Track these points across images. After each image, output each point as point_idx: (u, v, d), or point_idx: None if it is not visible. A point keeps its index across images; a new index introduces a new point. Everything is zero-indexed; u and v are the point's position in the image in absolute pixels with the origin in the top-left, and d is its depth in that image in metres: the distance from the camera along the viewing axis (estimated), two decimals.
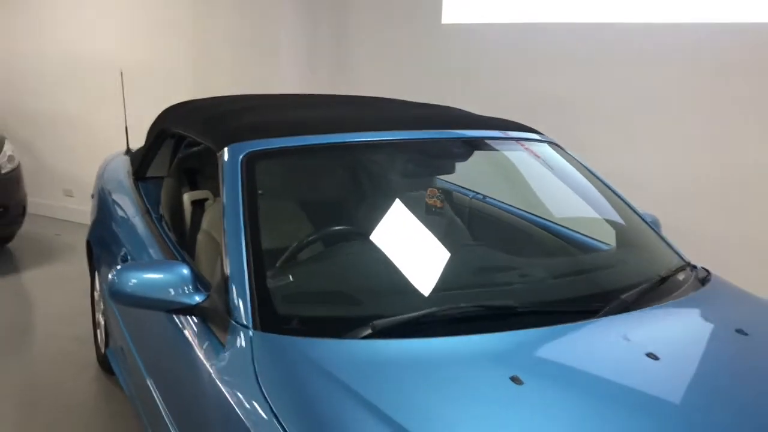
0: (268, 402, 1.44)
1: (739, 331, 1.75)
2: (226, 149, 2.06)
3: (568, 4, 4.25)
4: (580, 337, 1.65)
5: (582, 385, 1.48)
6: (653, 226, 2.41)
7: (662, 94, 3.96)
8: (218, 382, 1.61)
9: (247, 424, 1.46)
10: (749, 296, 2.05)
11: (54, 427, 2.89)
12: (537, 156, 2.58)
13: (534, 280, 1.97)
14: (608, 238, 2.43)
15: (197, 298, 1.76)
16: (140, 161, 3.10)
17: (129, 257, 2.58)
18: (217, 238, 1.99)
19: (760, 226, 3.77)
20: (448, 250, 1.96)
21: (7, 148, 5.08)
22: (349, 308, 1.77)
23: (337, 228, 2.10)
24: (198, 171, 2.84)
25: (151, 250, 2.46)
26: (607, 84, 4.11)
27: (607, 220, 2.42)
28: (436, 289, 1.76)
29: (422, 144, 2.40)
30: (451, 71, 4.59)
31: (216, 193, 2.37)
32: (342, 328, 1.61)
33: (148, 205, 2.79)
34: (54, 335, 3.79)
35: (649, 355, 1.57)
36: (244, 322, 1.65)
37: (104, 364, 3.27)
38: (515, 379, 1.43)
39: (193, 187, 2.77)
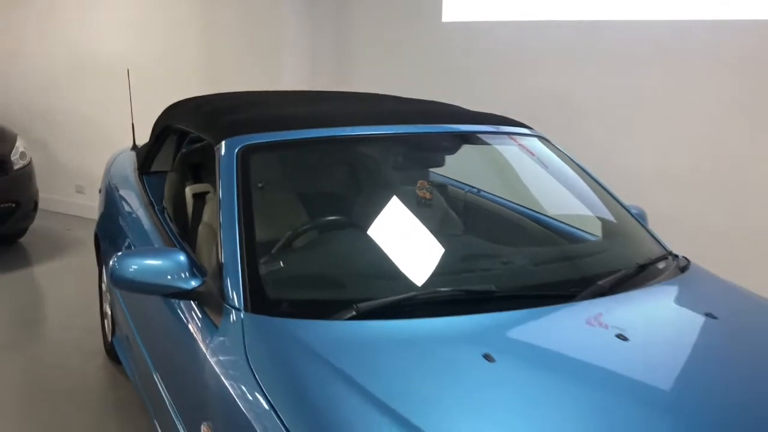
0: (256, 378, 1.54)
1: (708, 314, 1.83)
2: (222, 143, 2.16)
3: (568, 1, 4.31)
4: (554, 319, 1.73)
5: (550, 363, 1.57)
6: (639, 218, 2.49)
7: (662, 91, 4.00)
8: (212, 362, 1.71)
9: (238, 401, 1.56)
10: (725, 283, 2.12)
11: (62, 412, 3.00)
12: (527, 149, 2.66)
13: (515, 267, 2.06)
14: (594, 230, 2.51)
15: (193, 283, 1.86)
16: (145, 156, 3.21)
17: (132, 248, 2.68)
18: (216, 229, 2.08)
19: (753, 219, 3.83)
20: (433, 239, 2.05)
21: (19, 145, 5.21)
22: (335, 292, 1.86)
23: (327, 218, 2.19)
24: (200, 165, 2.94)
25: (153, 241, 2.57)
26: (607, 81, 4.16)
27: (593, 212, 2.50)
28: (419, 275, 1.85)
29: (414, 138, 2.49)
30: (451, 69, 4.66)
31: (216, 188, 2.47)
32: (328, 310, 1.71)
33: (152, 198, 2.90)
34: (63, 325, 3.92)
35: (619, 336, 1.65)
36: (237, 305, 1.74)
37: (111, 352, 3.39)
38: (488, 357, 1.52)
39: (196, 180, 2.87)
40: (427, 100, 3.04)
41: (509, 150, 2.68)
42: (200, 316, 1.87)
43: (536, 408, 1.40)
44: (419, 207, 2.33)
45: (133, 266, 1.86)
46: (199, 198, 2.66)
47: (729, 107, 3.84)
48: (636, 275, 2.01)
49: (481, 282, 1.87)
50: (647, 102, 4.06)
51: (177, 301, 2.01)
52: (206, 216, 2.50)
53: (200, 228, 2.47)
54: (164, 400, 2.12)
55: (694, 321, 1.84)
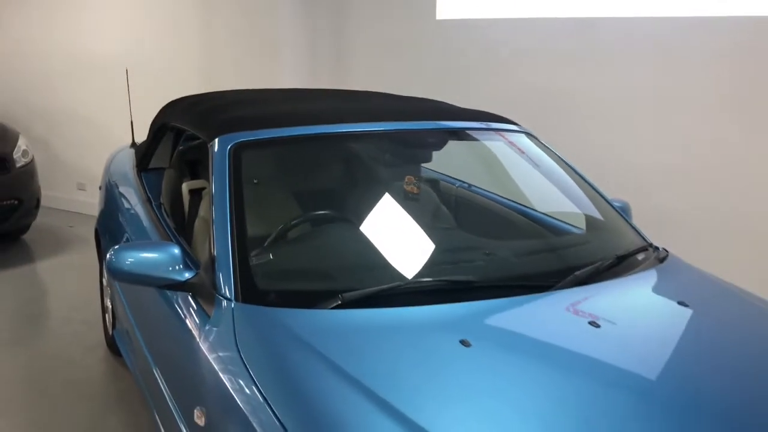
0: (245, 364, 1.62)
1: (681, 303, 1.90)
2: (215, 140, 2.24)
3: None
4: (530, 308, 1.81)
5: (523, 348, 1.65)
6: (622, 211, 2.56)
7: (657, 88, 4.05)
8: (204, 350, 1.79)
9: (228, 386, 1.64)
10: (701, 273, 2.20)
11: (64, 403, 3.09)
12: (514, 145, 2.74)
13: (497, 258, 2.14)
14: (578, 223, 2.59)
15: (187, 275, 1.94)
16: (143, 154, 3.29)
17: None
18: (212, 224, 2.16)
19: (737, 211, 3.90)
20: (418, 231, 2.13)
21: (21, 143, 5.30)
22: (322, 283, 1.94)
23: (316, 213, 2.27)
24: (196, 162, 3.02)
25: (150, 236, 2.65)
26: (602, 78, 4.21)
27: (577, 205, 2.57)
28: (403, 266, 1.93)
29: (403, 134, 2.57)
30: (446, 66, 4.73)
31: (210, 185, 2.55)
32: (314, 299, 1.79)
33: (149, 195, 2.98)
34: (65, 319, 4.01)
35: (592, 323, 1.73)
36: (228, 295, 1.83)
37: (112, 345, 3.47)
38: (464, 342, 1.60)
39: (192, 177, 2.95)
40: (417, 97, 3.12)
41: (497, 146, 2.75)
42: (193, 306, 1.95)
43: (507, 389, 1.48)
44: (406, 201, 2.40)
45: (129, 259, 1.94)
46: (196, 194, 2.74)
47: (723, 103, 3.90)
48: (615, 266, 2.09)
49: (464, 273, 1.95)
50: (643, 99, 4.12)
51: (172, 292, 2.09)
52: (202, 211, 2.57)
53: (196, 223, 2.55)
54: (161, 388, 2.20)
55: (666, 308, 1.91)
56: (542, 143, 2.74)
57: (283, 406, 1.46)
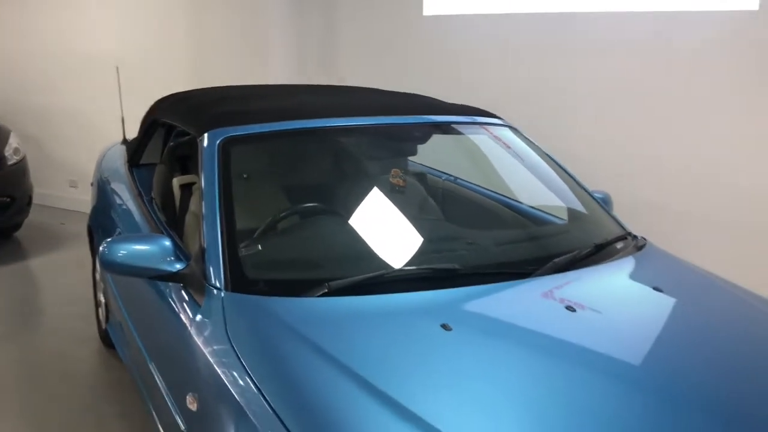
0: (235, 350, 1.68)
1: (655, 288, 1.98)
2: (205, 135, 2.29)
3: None
4: (509, 293, 1.88)
5: (501, 330, 1.73)
6: (602, 202, 2.64)
7: (641, 80, 4.12)
8: (195, 337, 1.86)
9: (219, 371, 1.70)
10: (677, 260, 2.27)
11: (58, 395, 3.15)
12: (497, 138, 2.81)
13: (479, 247, 2.21)
14: (560, 213, 2.66)
15: (178, 266, 2.00)
16: (134, 150, 3.34)
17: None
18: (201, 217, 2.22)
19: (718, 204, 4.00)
20: (403, 222, 2.20)
21: (12, 141, 5.32)
22: (309, 272, 2.01)
23: (303, 205, 2.33)
24: (187, 157, 3.07)
25: (142, 230, 2.70)
26: (587, 72, 4.28)
27: (559, 196, 2.64)
28: (388, 255, 2.00)
29: (390, 128, 2.64)
30: (433, 62, 4.79)
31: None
32: (302, 288, 1.85)
33: (141, 190, 3.03)
34: (59, 314, 4.05)
35: (568, 307, 1.80)
36: (218, 285, 1.89)
37: (105, 339, 3.52)
38: (445, 326, 1.67)
39: (183, 172, 3.01)
40: (403, 92, 3.18)
41: (481, 139, 2.82)
42: (184, 296, 2.01)
43: (484, 369, 1.56)
44: (392, 194, 2.47)
45: (121, 251, 1.99)
46: (186, 188, 2.79)
47: (706, 96, 3.98)
48: (593, 254, 2.16)
49: (447, 261, 2.02)
50: (627, 92, 4.19)
51: (164, 284, 2.15)
52: (192, 205, 2.63)
53: (187, 216, 2.60)
54: (154, 377, 2.26)
55: (641, 293, 1.99)
56: (524, 136, 2.81)
57: (272, 389, 1.53)
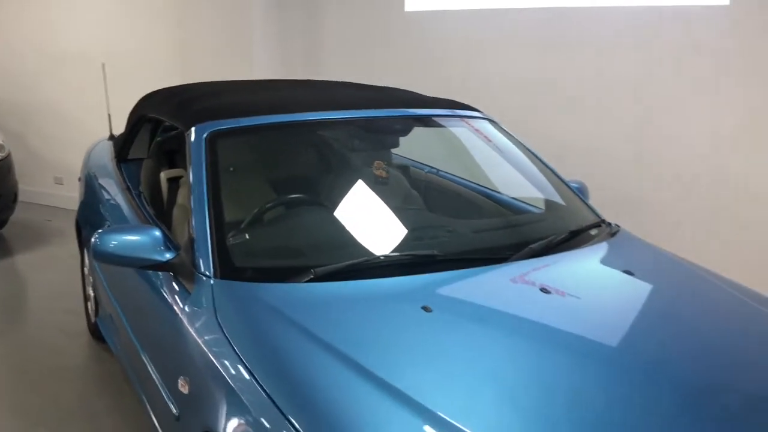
0: (224, 334, 1.76)
1: (626, 271, 2.08)
2: (192, 129, 2.36)
3: None
4: (487, 277, 1.97)
5: (478, 311, 1.82)
6: (578, 191, 2.73)
7: (623, 76, 4.21)
8: (186, 323, 1.93)
9: (210, 354, 1.77)
10: (648, 246, 2.38)
11: (49, 388, 3.19)
12: (477, 131, 2.90)
13: (458, 234, 2.30)
14: (538, 202, 2.75)
15: (168, 255, 2.06)
16: (121, 145, 3.39)
17: None
18: (189, 210, 2.28)
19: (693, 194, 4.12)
20: (386, 212, 2.28)
21: None
22: (295, 259, 2.09)
23: (289, 196, 2.41)
24: (174, 152, 3.13)
25: (131, 223, 2.76)
26: (569, 67, 4.36)
27: (536, 186, 2.74)
28: (371, 243, 2.08)
29: (373, 121, 2.72)
30: (415, 57, 4.87)
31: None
32: (288, 274, 1.93)
33: (129, 184, 3.08)
34: (47, 309, 4.09)
35: (542, 289, 1.89)
36: (207, 273, 1.96)
37: (95, 332, 3.57)
38: (425, 308, 1.76)
39: (170, 166, 3.06)
40: (386, 86, 3.26)
41: (461, 131, 2.91)
42: (175, 284, 2.08)
43: (463, 347, 1.65)
44: (375, 185, 2.55)
45: (113, 242, 2.06)
46: (174, 182, 2.85)
47: (687, 91, 4.08)
48: (568, 240, 2.26)
49: (428, 248, 2.10)
50: (608, 87, 4.28)
51: (154, 274, 2.22)
52: (180, 198, 2.69)
53: (175, 209, 2.66)
54: (145, 364, 2.33)
55: (612, 276, 2.09)
56: (503, 129, 2.90)
57: (261, 369, 1.61)
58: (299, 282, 1.90)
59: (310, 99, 2.79)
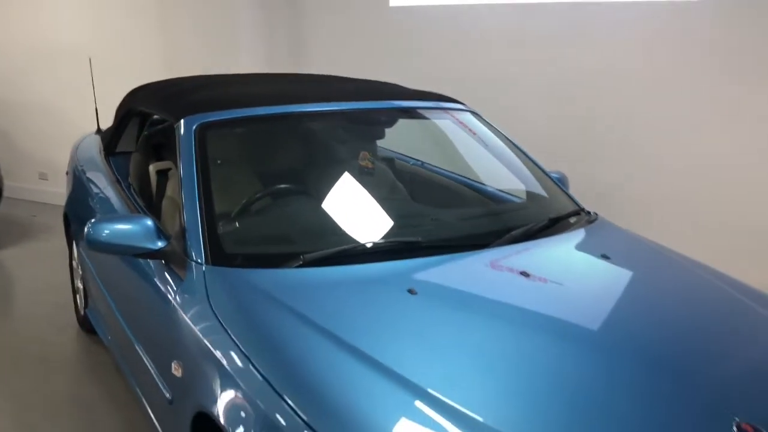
0: (217, 317, 1.82)
1: (603, 256, 2.16)
2: (181, 121, 2.41)
3: None
4: (469, 261, 2.05)
5: (460, 293, 1.90)
6: (558, 181, 2.82)
7: (605, 68, 4.31)
8: (179, 309, 1.99)
9: (203, 338, 1.84)
10: (625, 232, 2.47)
11: (39, 378, 3.23)
12: (460, 123, 2.97)
13: (442, 222, 2.38)
14: (519, 192, 2.84)
15: (160, 244, 2.12)
16: (110, 138, 3.43)
17: None
18: (179, 201, 2.34)
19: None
20: (371, 201, 2.35)
21: None
22: (285, 246, 2.15)
23: (278, 186, 2.47)
24: (162, 145, 3.17)
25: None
26: (551, 61, 4.46)
27: (517, 176, 2.82)
28: (358, 230, 2.15)
29: (358, 113, 2.79)
30: (399, 51, 4.94)
31: (177, 164, 2.72)
32: (278, 260, 2.00)
33: (118, 177, 3.13)
34: (36, 302, 4.12)
35: (522, 273, 1.98)
36: (199, 260, 2.02)
37: (84, 324, 3.61)
38: (411, 291, 1.84)
39: (158, 159, 3.11)
40: (371, 80, 3.32)
41: (445, 123, 2.98)
42: (167, 271, 2.13)
43: (446, 326, 1.73)
44: (361, 175, 2.62)
45: (106, 231, 2.11)
46: (162, 174, 2.90)
47: (661, 81, 4.20)
48: (548, 227, 2.34)
49: (412, 235, 2.18)
50: (589, 80, 4.38)
51: (145, 262, 2.27)
52: (169, 190, 2.74)
53: (164, 201, 2.71)
54: (137, 351, 2.38)
55: (589, 261, 2.18)
56: (485, 120, 2.98)
57: (254, 350, 1.67)
58: (289, 267, 1.96)
59: (297, 91, 2.85)
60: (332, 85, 3.08)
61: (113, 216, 2.55)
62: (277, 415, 1.49)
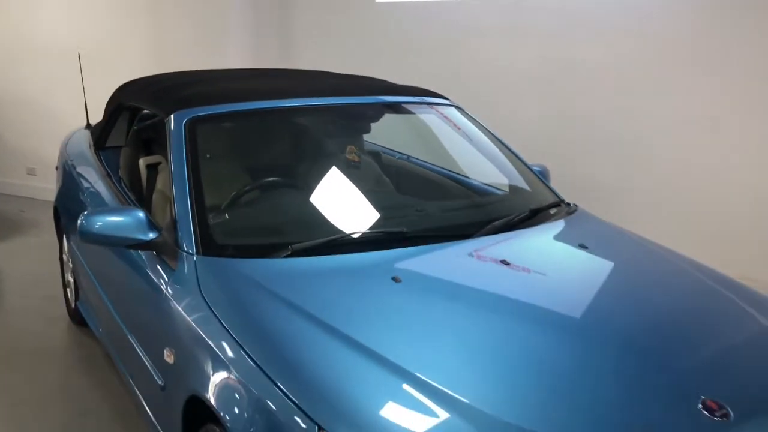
0: (208, 305, 1.88)
1: (581, 245, 2.25)
2: (171, 116, 2.47)
3: None
4: (452, 250, 2.13)
5: (443, 280, 1.98)
6: (540, 174, 2.90)
7: (590, 63, 4.40)
8: (171, 298, 2.05)
9: (195, 325, 1.90)
10: (603, 223, 2.55)
11: (31, 370, 3.27)
12: (445, 117, 3.04)
13: (426, 214, 2.45)
14: (502, 185, 2.92)
15: (151, 235, 2.17)
16: (100, 133, 3.47)
17: None
18: (169, 194, 2.39)
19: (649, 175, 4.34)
20: (357, 193, 2.42)
21: None
22: (274, 237, 2.21)
23: (267, 179, 2.53)
24: (152, 139, 3.22)
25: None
26: (537, 56, 4.54)
27: (500, 169, 2.90)
28: (345, 221, 2.22)
29: (345, 108, 2.85)
30: (385, 47, 5.01)
31: (168, 158, 2.77)
32: (268, 250, 2.06)
33: (108, 171, 3.17)
34: (26, 296, 4.15)
35: (503, 261, 2.05)
36: (190, 250, 2.08)
37: (75, 317, 3.65)
38: (395, 279, 1.91)
39: (148, 153, 3.16)
40: (358, 75, 3.39)
41: (430, 118, 3.06)
42: (159, 262, 2.19)
43: (429, 312, 1.81)
44: (348, 168, 2.68)
45: (98, 223, 2.16)
46: (152, 168, 2.95)
47: (639, 75, 4.29)
48: (529, 218, 2.42)
49: (397, 226, 2.25)
50: (575, 75, 4.47)
51: (136, 253, 2.33)
52: (159, 184, 2.79)
53: (154, 194, 2.77)
54: (129, 341, 2.44)
55: (568, 250, 2.26)
56: (469, 115, 3.05)
57: (245, 337, 1.74)
58: (278, 257, 2.03)
59: (286, 86, 2.91)
60: (320, 81, 3.15)
61: (106, 208, 2.60)
62: (269, 398, 1.56)
